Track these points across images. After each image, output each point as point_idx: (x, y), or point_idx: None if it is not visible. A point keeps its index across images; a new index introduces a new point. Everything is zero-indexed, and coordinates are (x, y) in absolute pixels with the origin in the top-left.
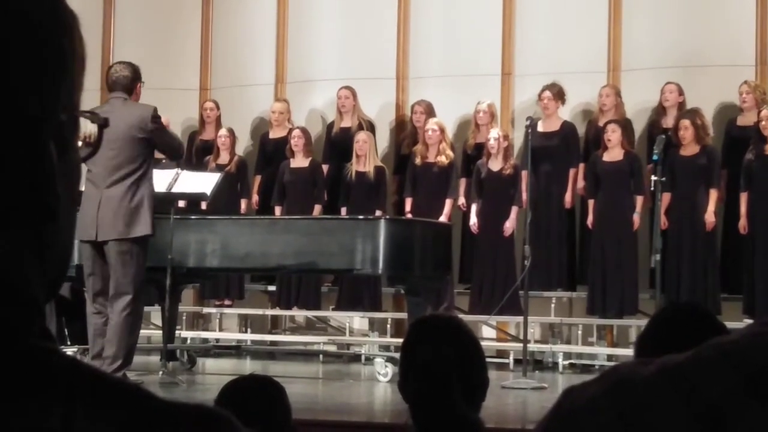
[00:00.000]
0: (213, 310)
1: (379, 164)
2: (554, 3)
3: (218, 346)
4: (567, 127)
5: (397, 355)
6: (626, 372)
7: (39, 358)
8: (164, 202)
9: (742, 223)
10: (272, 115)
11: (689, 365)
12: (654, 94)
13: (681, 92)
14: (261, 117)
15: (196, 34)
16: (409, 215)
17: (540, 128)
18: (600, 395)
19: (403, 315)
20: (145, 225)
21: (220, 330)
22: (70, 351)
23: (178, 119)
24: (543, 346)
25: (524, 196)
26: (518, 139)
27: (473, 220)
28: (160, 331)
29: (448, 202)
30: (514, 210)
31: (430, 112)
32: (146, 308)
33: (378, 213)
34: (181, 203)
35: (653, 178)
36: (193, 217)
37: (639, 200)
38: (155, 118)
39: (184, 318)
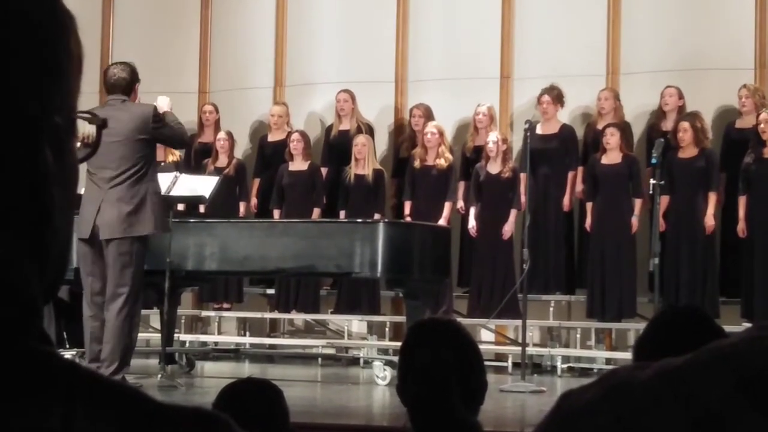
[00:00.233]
0: (212, 314)
1: (378, 167)
2: (553, 6)
3: (217, 350)
4: (566, 130)
5: (396, 359)
6: (624, 375)
7: (38, 360)
8: (164, 202)
9: (741, 227)
10: (271, 118)
11: (687, 369)
12: (653, 98)
13: (681, 96)
14: (260, 120)
15: (195, 37)
16: (409, 218)
17: (539, 131)
18: (598, 399)
19: (402, 318)
20: (147, 224)
21: (219, 333)
22: (68, 354)
23: None
24: (542, 350)
25: (523, 199)
26: (517, 142)
27: (472, 223)
28: (159, 335)
29: (447, 206)
30: (513, 213)
31: (428, 115)
32: (145, 311)
33: (377, 216)
34: (180, 206)
35: (652, 181)
36: (191, 220)
37: (637, 203)
38: (156, 117)
39: (182, 321)
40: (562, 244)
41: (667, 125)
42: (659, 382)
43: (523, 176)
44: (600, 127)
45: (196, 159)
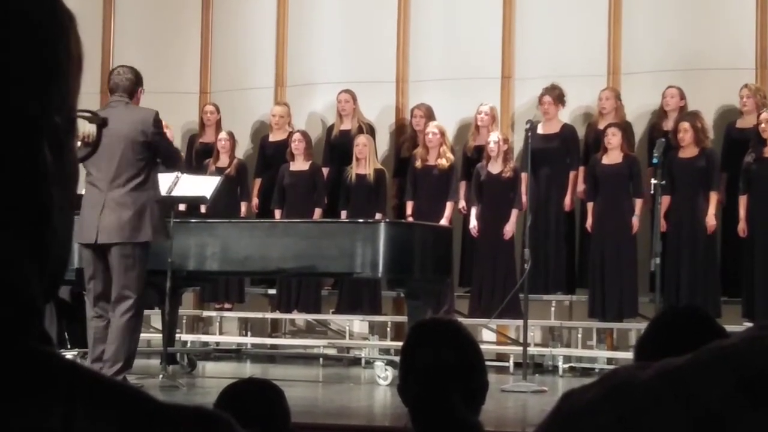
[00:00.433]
0: (213, 314)
1: (379, 167)
2: (554, 6)
3: (218, 350)
4: (567, 130)
5: (397, 359)
6: (625, 375)
7: (38, 359)
8: (164, 206)
9: (742, 226)
10: (272, 118)
11: (688, 369)
12: (654, 98)
13: (683, 96)
14: (261, 120)
15: (196, 37)
16: (410, 219)
17: (540, 131)
18: (599, 398)
19: (403, 318)
20: (147, 231)
21: (220, 333)
22: (69, 354)
23: (179, 122)
24: (543, 350)
25: (524, 199)
26: (518, 142)
27: (473, 223)
28: (160, 335)
29: (448, 206)
30: (514, 213)
31: (429, 115)
32: (146, 312)
33: (378, 216)
34: (181, 207)
35: (653, 181)
36: (193, 220)
37: (638, 203)
38: (157, 122)
39: (184, 321)
40: (564, 244)
41: (669, 125)
42: (660, 382)
43: (524, 176)
44: (601, 126)
45: (198, 159)
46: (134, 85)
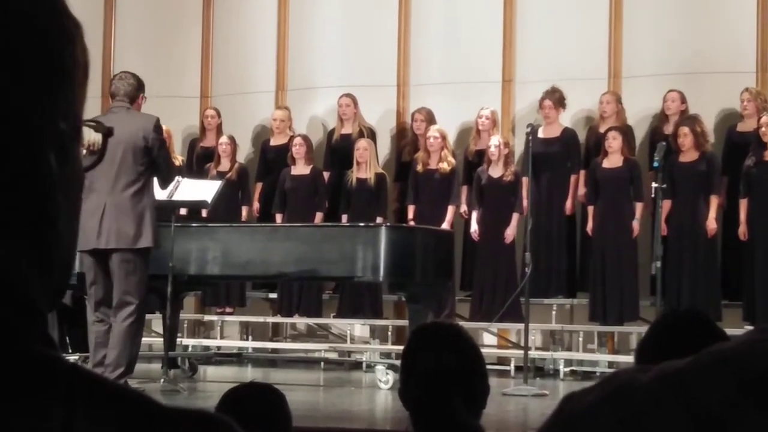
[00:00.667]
0: (214, 318)
1: (380, 171)
2: (554, 10)
3: (219, 354)
4: (568, 134)
5: (398, 363)
6: (626, 378)
7: (39, 361)
8: (165, 210)
9: (742, 230)
10: (273, 122)
11: (688, 372)
12: (655, 101)
13: (684, 100)
14: (262, 124)
15: (197, 41)
16: (412, 222)
17: (541, 135)
18: (600, 401)
19: (404, 322)
20: (148, 237)
21: (222, 338)
22: (71, 359)
23: (179, 126)
24: (544, 353)
25: (525, 202)
26: (519, 145)
27: (474, 227)
28: (162, 339)
29: (450, 209)
30: (515, 217)
31: (430, 119)
32: (147, 316)
33: (379, 220)
34: (182, 211)
35: (654, 184)
36: (194, 224)
37: (639, 207)
38: (158, 128)
39: (185, 326)
40: (565, 248)
41: (670, 129)
42: (660, 384)
43: (525, 180)
44: (602, 130)
45: (198, 163)
46: (136, 90)
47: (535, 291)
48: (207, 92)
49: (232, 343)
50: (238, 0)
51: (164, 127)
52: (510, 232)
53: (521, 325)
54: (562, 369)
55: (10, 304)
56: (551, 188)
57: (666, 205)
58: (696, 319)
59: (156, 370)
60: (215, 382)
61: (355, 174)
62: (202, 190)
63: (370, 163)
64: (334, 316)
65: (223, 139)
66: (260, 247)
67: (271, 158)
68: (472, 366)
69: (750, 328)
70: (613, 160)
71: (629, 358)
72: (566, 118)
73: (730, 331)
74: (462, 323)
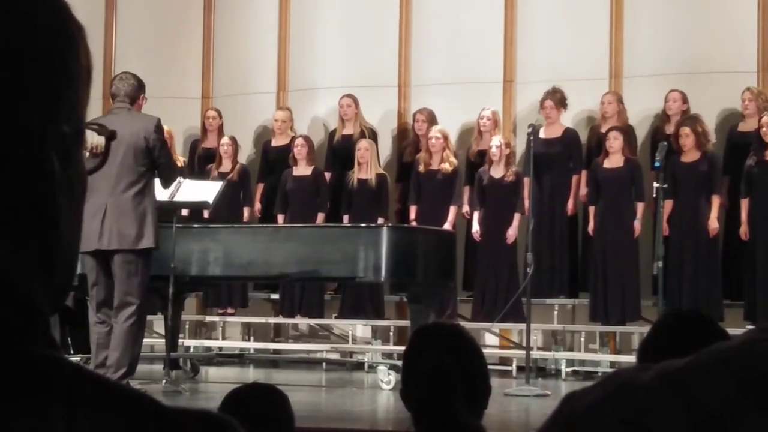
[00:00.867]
0: (216, 319)
1: (381, 172)
2: (556, 10)
3: (221, 355)
4: (569, 134)
5: (400, 363)
6: (626, 377)
7: (41, 362)
8: (167, 211)
9: (743, 229)
10: (275, 123)
11: (689, 371)
12: (656, 101)
13: (685, 100)
14: (263, 125)
15: (198, 42)
16: (414, 223)
17: (542, 135)
18: (600, 400)
19: (406, 323)
20: (149, 238)
21: (223, 338)
22: (73, 360)
23: (181, 128)
24: (546, 354)
25: (526, 203)
26: (520, 146)
27: (475, 227)
28: (163, 340)
29: (452, 210)
30: (517, 217)
31: (431, 120)
32: (149, 317)
33: (380, 221)
34: (184, 212)
35: (655, 184)
36: (195, 225)
37: (640, 207)
38: (158, 129)
39: (187, 327)
40: (566, 248)
41: (671, 129)
42: (661, 384)
43: (526, 180)
44: (603, 130)
45: (200, 164)
46: (137, 91)
47: (537, 291)
48: (208, 93)
49: (234, 343)
50: (239, 1)
51: (165, 128)
52: (511, 233)
53: (523, 326)
54: (564, 369)
55: (11, 305)
56: (553, 188)
57: (667, 205)
58: (698, 319)
59: (158, 371)
60: (217, 383)
61: (356, 175)
62: (204, 191)
63: (371, 163)
64: (336, 317)
65: (225, 140)
66: (262, 247)
67: (273, 159)
68: (473, 366)
69: (751, 327)
70: (614, 161)
71: (631, 358)
72: (568, 119)
73: (731, 331)
74: (464, 323)
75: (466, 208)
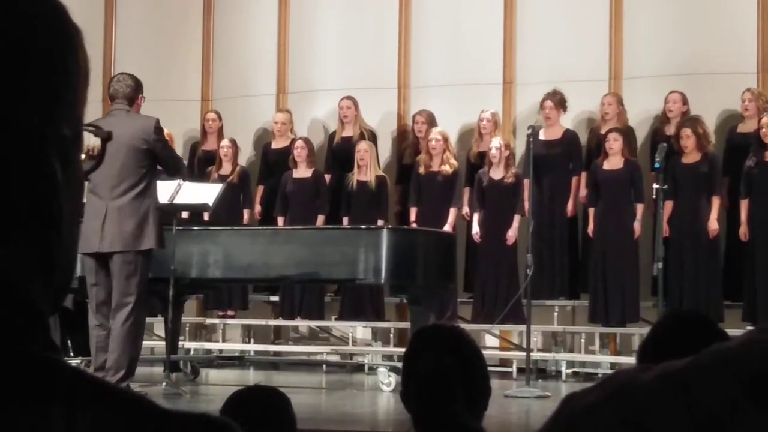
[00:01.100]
0: (216, 321)
1: (381, 174)
2: (555, 11)
3: (221, 357)
4: (569, 136)
5: (400, 365)
6: (627, 378)
7: (41, 365)
8: (167, 214)
9: (743, 230)
10: (275, 125)
11: (689, 371)
12: (656, 102)
13: (685, 101)
14: (263, 127)
15: (197, 44)
16: (414, 225)
17: (542, 136)
18: (601, 401)
19: (406, 324)
20: (150, 239)
21: (224, 341)
22: (72, 363)
23: (180, 130)
24: (546, 355)
25: (526, 204)
26: (520, 147)
27: (475, 229)
28: (164, 342)
29: (452, 212)
30: (517, 219)
31: (431, 122)
32: (149, 319)
33: (380, 222)
34: (184, 214)
35: (655, 186)
36: (195, 228)
37: (639, 208)
38: (158, 129)
39: (187, 329)
40: (566, 250)
41: (671, 130)
42: (661, 384)
43: (526, 182)
44: (603, 132)
45: (200, 167)
46: (134, 91)
47: (537, 292)
48: (208, 96)
49: (234, 346)
50: (238, 3)
51: (165, 131)
52: (511, 234)
53: (523, 327)
54: (564, 370)
55: (11, 305)
56: (552, 190)
57: (668, 206)
58: (697, 320)
59: (158, 373)
60: (217, 386)
61: (356, 177)
62: (204, 193)
63: (370, 165)
64: (336, 319)
65: (225, 142)
66: (262, 250)
67: (273, 161)
68: (473, 368)
69: (751, 328)
70: (613, 162)
71: (631, 360)
72: (568, 120)
73: (731, 332)
74: (464, 325)
75: (466, 210)
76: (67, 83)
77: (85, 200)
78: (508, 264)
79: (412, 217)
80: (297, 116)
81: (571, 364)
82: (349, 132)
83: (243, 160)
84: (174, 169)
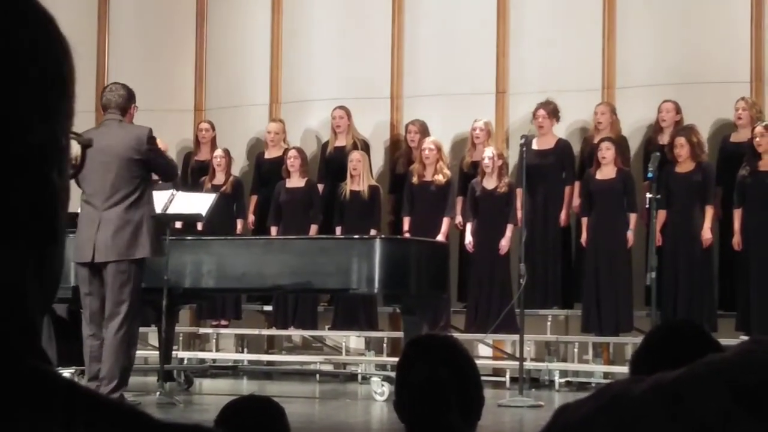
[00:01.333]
0: (209, 331)
1: (374, 183)
2: (548, 21)
3: (215, 367)
4: (562, 145)
5: (394, 375)
6: (620, 389)
7: (38, 377)
8: (160, 223)
9: (736, 240)
10: (268, 135)
11: (682, 382)
12: (649, 112)
13: (678, 110)
14: (256, 137)
15: (190, 55)
16: (407, 234)
17: (535, 146)
18: (594, 412)
19: (400, 334)
20: (144, 247)
21: (217, 350)
22: (66, 372)
23: (174, 140)
24: (539, 365)
25: (519, 214)
26: (513, 157)
27: (468, 238)
28: (157, 352)
29: (445, 221)
30: (510, 228)
31: (424, 131)
32: (143, 329)
33: (373, 232)
34: (177, 224)
35: (648, 195)
36: (188, 238)
37: (632, 218)
38: (150, 139)
39: (180, 339)
40: (559, 259)
41: (665, 139)
42: (654, 395)
43: (519, 191)
44: (596, 141)
45: (193, 177)
46: (127, 101)
47: (530, 302)
48: (201, 105)
49: (228, 355)
50: (231, 13)
51: (159, 141)
52: (505, 244)
53: (516, 336)
54: (558, 380)
55: (13, 322)
56: (546, 199)
57: (661, 215)
58: (691, 330)
59: (152, 383)
60: (211, 395)
61: (349, 186)
62: (197, 203)
63: (363, 175)
64: (329, 329)
65: (218, 152)
66: (255, 259)
67: (266, 171)
68: (466, 377)
69: (745, 338)
70: (606, 172)
71: (624, 369)
72: (561, 130)
73: (725, 342)
74: (457, 335)
75: (459, 219)
76: (64, 95)
77: (78, 209)
78: (501, 273)
79: (405, 226)
80: (290, 126)
81: (564, 373)
82: (342, 142)
83: (236, 170)
84: (170, 174)
